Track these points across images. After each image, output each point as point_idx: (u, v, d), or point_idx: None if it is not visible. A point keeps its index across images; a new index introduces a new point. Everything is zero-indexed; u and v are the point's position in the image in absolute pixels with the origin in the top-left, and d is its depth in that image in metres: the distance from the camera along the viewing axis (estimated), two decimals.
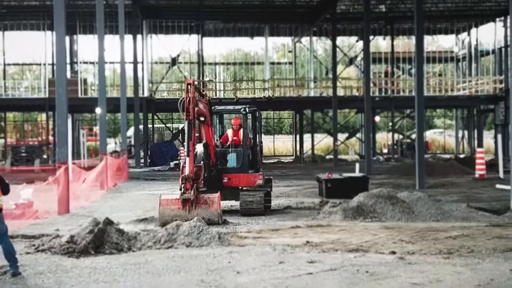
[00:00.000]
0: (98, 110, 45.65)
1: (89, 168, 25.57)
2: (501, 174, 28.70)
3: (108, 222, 13.09)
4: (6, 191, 11.14)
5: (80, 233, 12.72)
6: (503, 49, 51.40)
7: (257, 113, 20.53)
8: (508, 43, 46.91)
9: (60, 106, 20.02)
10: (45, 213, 18.41)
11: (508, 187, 20.44)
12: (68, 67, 52.61)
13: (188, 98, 16.96)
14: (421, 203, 17.50)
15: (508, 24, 50.03)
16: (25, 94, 50.47)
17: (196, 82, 18.50)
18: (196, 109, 17.24)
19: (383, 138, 61.85)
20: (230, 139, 19.87)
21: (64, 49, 21.88)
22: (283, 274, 10.27)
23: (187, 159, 17.05)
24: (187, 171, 16.80)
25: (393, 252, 11.78)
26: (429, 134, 68.56)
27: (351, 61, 58.37)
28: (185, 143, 17.41)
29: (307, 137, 55.53)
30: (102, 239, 12.59)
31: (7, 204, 16.64)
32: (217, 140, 20.01)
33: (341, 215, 16.77)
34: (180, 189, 16.83)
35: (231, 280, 9.83)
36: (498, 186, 25.21)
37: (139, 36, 45.68)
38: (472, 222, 15.98)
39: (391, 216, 16.57)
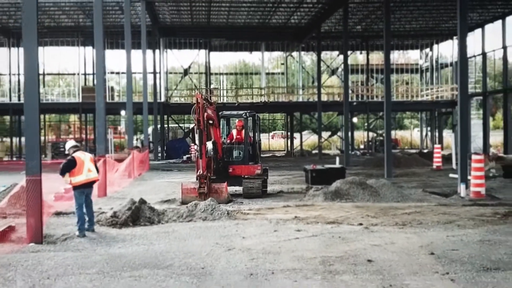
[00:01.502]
0: (122, 113, 46.20)
1: (117, 160, 25.63)
2: (454, 166, 28.32)
3: (142, 201, 14.02)
4: (65, 170, 12.42)
5: (121, 209, 13.57)
6: (456, 63, 51.33)
7: (256, 116, 20.76)
8: (456, 59, 47.14)
9: (99, 111, 20.69)
10: None
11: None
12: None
13: (198, 110, 17.25)
14: (386, 188, 17.90)
15: (457, 43, 50.55)
16: (57, 99, 50.14)
17: (203, 95, 19.07)
18: (205, 114, 17.52)
19: (360, 136, 61.02)
20: (234, 137, 20.15)
21: (104, 65, 22.21)
22: (277, 238, 11.16)
23: (201, 160, 17.53)
24: (201, 170, 17.39)
25: (361, 224, 12.65)
26: (399, 133, 68.59)
27: (333, 72, 57.67)
28: (198, 147, 17.65)
29: (296, 135, 54.56)
30: (138, 214, 13.42)
31: (58, 189, 17.60)
32: (224, 138, 20.25)
33: (322, 197, 17.21)
34: (196, 179, 17.55)
35: (238, 243, 10.78)
36: (450, 175, 24.97)
37: (157, 51, 45.13)
38: (425, 203, 16.48)
39: (362, 198, 17.04)
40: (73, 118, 59.92)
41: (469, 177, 18.31)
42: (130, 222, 13.08)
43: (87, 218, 12.16)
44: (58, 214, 14.49)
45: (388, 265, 8.85)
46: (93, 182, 12.81)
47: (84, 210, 12.14)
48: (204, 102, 17.76)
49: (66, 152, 12.88)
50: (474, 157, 18.09)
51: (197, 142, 17.56)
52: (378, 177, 22.30)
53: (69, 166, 12.26)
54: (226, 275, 8.45)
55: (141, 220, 13.30)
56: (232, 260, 9.37)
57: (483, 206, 15.50)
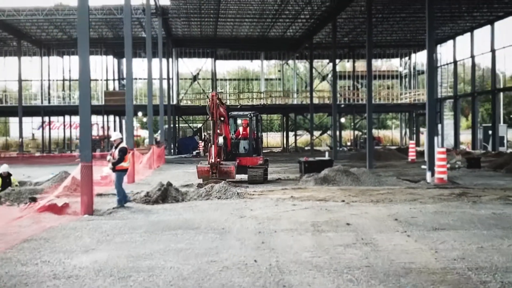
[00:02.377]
0: (139, 114, 47.65)
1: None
2: (426, 159, 29.72)
3: (169, 184, 15.70)
4: (121, 159, 14.04)
5: (152, 190, 15.24)
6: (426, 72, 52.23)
7: (258, 116, 22.52)
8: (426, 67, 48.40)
9: (128, 112, 22.42)
10: None
11: None
12: (117, 82, 54.57)
13: (212, 106, 18.84)
14: (365, 175, 19.48)
15: (426, 54, 51.56)
16: (78, 102, 50.37)
17: (218, 95, 20.71)
18: (218, 111, 19.04)
19: (348, 134, 61.29)
20: (241, 133, 21.48)
21: (131, 73, 23.18)
22: (277, 210, 12.85)
23: (213, 147, 19.05)
24: (212, 159, 18.89)
25: (343, 201, 14.24)
26: (382, 131, 69.25)
27: (323, 78, 58.44)
28: (211, 137, 19.36)
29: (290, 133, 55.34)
30: (166, 194, 15.04)
31: (95, 176, 19.26)
32: (232, 134, 21.40)
33: (313, 182, 18.69)
34: (208, 163, 19.14)
35: (248, 213, 12.44)
36: (422, 166, 25.01)
37: (170, 60, 46.20)
38: (397, 187, 17.92)
39: (345, 182, 18.49)
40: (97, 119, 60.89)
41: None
42: (160, 200, 14.72)
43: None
44: (99, 195, 16.15)
45: (362, 227, 10.64)
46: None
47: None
48: (217, 100, 19.15)
49: (113, 139, 14.55)
50: (437, 150, 19.77)
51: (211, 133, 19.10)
52: (360, 168, 22.93)
53: (126, 153, 14.06)
54: (240, 233, 10.24)
55: (169, 199, 14.94)
56: (244, 224, 11.16)
57: (443, 189, 16.97)
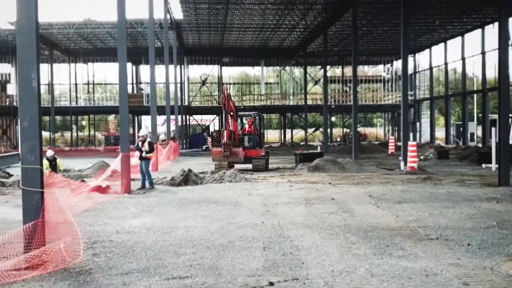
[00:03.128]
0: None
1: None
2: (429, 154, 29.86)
3: (190, 170, 17.32)
4: (152, 150, 15.71)
5: (176, 175, 16.96)
6: (411, 75, 51.87)
7: (261, 116, 24.17)
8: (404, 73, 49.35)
9: (153, 112, 24.03)
10: None
11: None
12: (135, 85, 56.00)
13: (224, 98, 20.18)
14: (350, 164, 21.15)
15: (401, 62, 52.07)
16: (97, 103, 51.44)
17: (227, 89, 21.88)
18: (228, 103, 20.16)
19: (338, 131, 61.81)
20: (246, 130, 22.99)
21: (154, 80, 24.57)
22: (277, 189, 14.55)
23: (225, 131, 20.36)
24: (225, 139, 20.09)
25: (330, 183, 15.90)
26: (368, 129, 70.23)
27: (316, 82, 58.85)
28: (224, 124, 20.70)
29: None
30: (187, 178, 16.66)
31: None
32: (240, 130, 22.61)
33: (306, 170, 20.22)
34: (221, 146, 20.17)
35: (254, 192, 14.13)
36: (400, 158, 27.26)
37: (183, 66, 47.33)
38: (375, 173, 19.59)
39: (333, 170, 20.07)
40: (110, 117, 62.19)
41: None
42: (183, 183, 16.41)
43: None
44: (132, 179, 17.84)
45: (343, 201, 12.43)
46: None
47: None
48: (229, 95, 20.61)
49: (141, 134, 16.17)
50: (409, 143, 21.39)
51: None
52: (346, 158, 24.37)
53: (153, 145, 15.81)
54: (250, 205, 12.03)
55: (190, 182, 16.61)
56: (252, 199, 12.95)
57: (413, 175, 18.67)
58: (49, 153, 18.97)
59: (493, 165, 20.18)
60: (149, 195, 14.18)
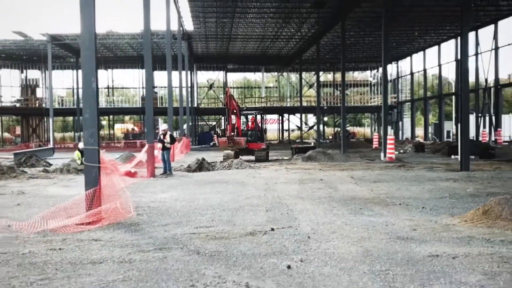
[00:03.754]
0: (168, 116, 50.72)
1: None
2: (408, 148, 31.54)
3: (203, 159, 18.75)
4: (173, 141, 17.16)
5: (191, 164, 18.37)
6: (395, 80, 54.54)
7: (262, 114, 25.66)
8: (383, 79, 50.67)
9: (169, 113, 25.24)
10: None
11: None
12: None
13: (227, 98, 21.84)
14: (338, 155, 22.35)
15: (381, 70, 53.78)
16: (116, 105, 52.49)
17: (231, 92, 23.51)
18: (231, 102, 21.70)
19: (330, 130, 61.97)
20: (250, 126, 24.47)
21: (171, 85, 25.24)
22: (276, 174, 16.00)
23: (228, 126, 21.79)
24: (228, 133, 21.67)
25: (320, 169, 17.27)
26: (357, 128, 71.57)
27: (310, 86, 59.45)
28: (229, 125, 22.07)
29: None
30: (201, 166, 18.08)
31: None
32: (244, 127, 24.23)
33: (301, 160, 21.52)
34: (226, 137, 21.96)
35: (257, 175, 15.55)
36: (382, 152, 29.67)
37: (192, 72, 48.55)
38: (359, 162, 20.95)
39: (323, 160, 21.31)
40: (126, 118, 63.57)
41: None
42: (197, 169, 17.89)
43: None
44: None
45: (329, 181, 13.92)
46: None
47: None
48: (231, 95, 22.12)
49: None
50: (388, 137, 22.81)
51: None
52: (334, 150, 26.01)
53: (174, 137, 17.24)
54: (254, 184, 13.54)
55: (203, 169, 18.07)
56: (256, 180, 14.45)
57: (390, 163, 20.07)
58: (81, 145, 20.38)
59: (459, 156, 21.59)
60: (171, 178, 15.63)
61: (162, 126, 18.20)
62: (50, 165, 21.31)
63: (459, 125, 21.09)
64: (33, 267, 5.69)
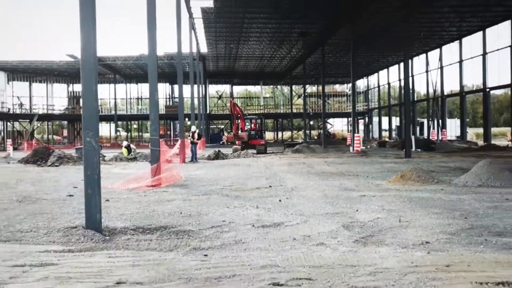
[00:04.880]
0: (186, 119, 53.13)
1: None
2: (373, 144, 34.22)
3: (219, 151, 21.45)
4: (199, 138, 19.81)
5: (210, 154, 20.89)
6: (365, 92, 56.31)
7: (262, 118, 28.18)
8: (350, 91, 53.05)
9: (192, 118, 28.14)
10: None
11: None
12: (171, 99, 59.86)
13: (231, 107, 24.69)
14: (318, 149, 24.85)
15: (366, 81, 56.59)
16: (140, 112, 54.36)
17: (234, 101, 26.08)
18: (235, 109, 24.44)
19: (315, 132, 62.57)
20: (252, 127, 26.44)
21: (193, 96, 28.47)
22: (272, 160, 18.62)
23: (233, 126, 24.71)
24: (233, 131, 24.33)
25: (304, 157, 19.89)
26: (338, 131, 74.16)
27: (299, 96, 60.18)
28: (234, 125, 24.96)
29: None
30: (218, 155, 20.48)
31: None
32: (248, 127, 26.30)
33: (290, 152, 23.81)
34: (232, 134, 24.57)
35: (259, 161, 18.21)
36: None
37: (205, 85, 49.71)
38: (333, 153, 23.22)
39: (307, 152, 23.47)
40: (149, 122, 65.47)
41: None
42: (215, 158, 20.39)
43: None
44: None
45: (309, 163, 16.68)
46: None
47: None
48: (235, 103, 24.80)
49: (193, 130, 20.19)
50: (355, 136, 25.48)
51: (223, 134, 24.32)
52: (316, 145, 28.68)
53: (201, 136, 19.84)
54: (257, 166, 16.28)
55: (219, 158, 20.53)
56: (258, 164, 17.18)
57: (356, 154, 22.73)
58: (125, 143, 23.06)
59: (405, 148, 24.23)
60: (197, 164, 18.27)
61: (192, 128, 20.83)
62: (104, 156, 23.92)
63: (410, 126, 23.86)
64: (138, 203, 8.46)
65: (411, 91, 50.06)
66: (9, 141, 31.35)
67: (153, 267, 4.24)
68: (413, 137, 25.03)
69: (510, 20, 27.82)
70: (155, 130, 11.54)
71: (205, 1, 23.67)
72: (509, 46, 27.78)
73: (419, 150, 25.73)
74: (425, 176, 10.19)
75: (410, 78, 42.15)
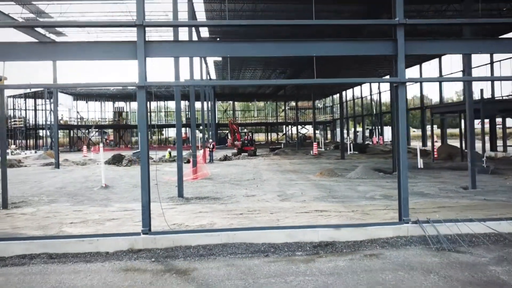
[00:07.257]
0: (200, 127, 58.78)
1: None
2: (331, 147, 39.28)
3: (227, 155, 27.35)
4: (213, 146, 25.67)
5: (221, 157, 26.91)
6: (332, 106, 61.98)
7: (252, 132, 33.44)
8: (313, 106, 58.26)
9: (212, 127, 33.78)
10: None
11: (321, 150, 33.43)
12: (188, 113, 65.33)
13: (230, 125, 30.42)
14: (291, 152, 29.92)
15: (329, 99, 61.30)
16: (166, 122, 61.74)
17: (232, 119, 31.52)
18: (232, 126, 30.49)
19: (295, 136, 71.27)
20: (246, 138, 31.22)
21: (215, 112, 34.10)
22: (259, 162, 24.20)
23: (231, 137, 30.33)
24: (231, 141, 30.07)
25: (279, 159, 25.45)
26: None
27: (283, 110, 65.24)
28: (231, 137, 30.60)
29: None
30: (226, 158, 26.26)
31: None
32: (243, 138, 31.84)
33: (272, 155, 28.82)
34: (232, 143, 30.21)
35: (251, 162, 23.72)
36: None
37: (215, 102, 56.36)
38: (300, 155, 28.83)
39: (283, 155, 28.56)
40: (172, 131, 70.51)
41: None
42: (224, 160, 26.12)
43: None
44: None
45: (280, 164, 22.69)
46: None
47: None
48: (233, 122, 30.59)
49: (211, 141, 25.94)
50: (314, 143, 31.15)
51: (229, 136, 29.78)
52: (294, 150, 34.10)
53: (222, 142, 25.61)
54: (250, 165, 22.24)
55: (227, 160, 26.34)
56: (250, 164, 23.13)
57: (313, 156, 28.42)
58: (168, 151, 28.73)
59: (349, 152, 30.22)
60: (214, 164, 23.97)
61: (210, 140, 26.69)
62: (152, 158, 29.58)
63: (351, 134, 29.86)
64: (191, 187, 14.66)
65: (360, 107, 55.97)
66: (84, 148, 37.17)
67: (208, 208, 10.48)
68: (350, 142, 30.51)
69: None
70: (194, 138, 17.68)
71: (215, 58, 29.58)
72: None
73: (356, 152, 31.42)
74: (331, 173, 16.43)
75: (356, 100, 48.28)
